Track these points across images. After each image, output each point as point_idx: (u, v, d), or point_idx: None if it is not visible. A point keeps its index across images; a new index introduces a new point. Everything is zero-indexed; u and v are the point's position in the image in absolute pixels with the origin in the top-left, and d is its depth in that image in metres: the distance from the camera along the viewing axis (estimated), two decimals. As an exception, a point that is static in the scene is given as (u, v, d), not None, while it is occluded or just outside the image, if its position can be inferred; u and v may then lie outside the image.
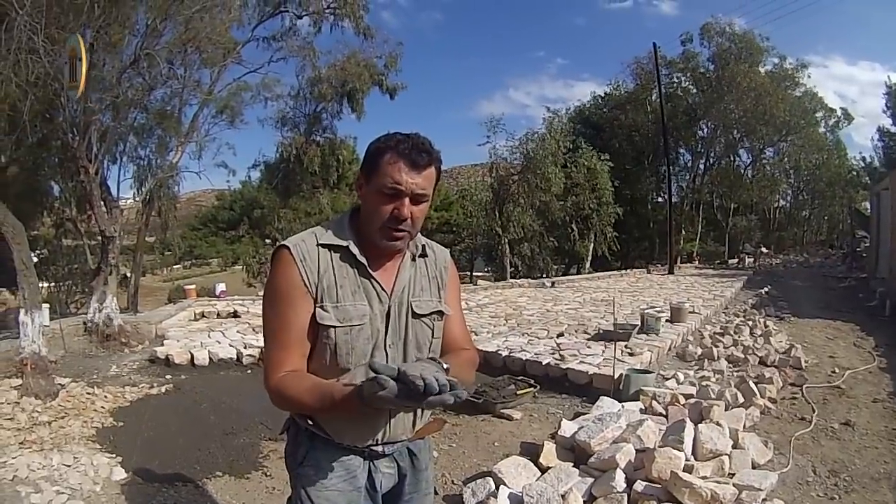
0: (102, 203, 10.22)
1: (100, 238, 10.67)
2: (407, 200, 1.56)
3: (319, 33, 21.10)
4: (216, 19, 10.89)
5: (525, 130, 25.28)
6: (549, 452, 4.26)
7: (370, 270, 1.62)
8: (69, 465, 4.84)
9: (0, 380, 6.89)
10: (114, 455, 5.15)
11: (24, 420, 5.77)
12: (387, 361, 1.60)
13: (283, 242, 1.61)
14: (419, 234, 1.74)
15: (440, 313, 1.75)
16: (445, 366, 1.47)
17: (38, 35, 5.20)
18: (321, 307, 1.56)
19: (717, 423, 4.45)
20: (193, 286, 18.62)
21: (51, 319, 9.49)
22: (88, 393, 6.85)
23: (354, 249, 1.61)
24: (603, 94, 34.73)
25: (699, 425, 4.28)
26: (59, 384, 6.94)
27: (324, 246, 1.61)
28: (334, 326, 1.56)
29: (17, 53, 5.42)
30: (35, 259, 19.78)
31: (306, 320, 1.56)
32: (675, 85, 31.63)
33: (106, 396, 6.79)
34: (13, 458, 4.82)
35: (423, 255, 1.78)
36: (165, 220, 20.06)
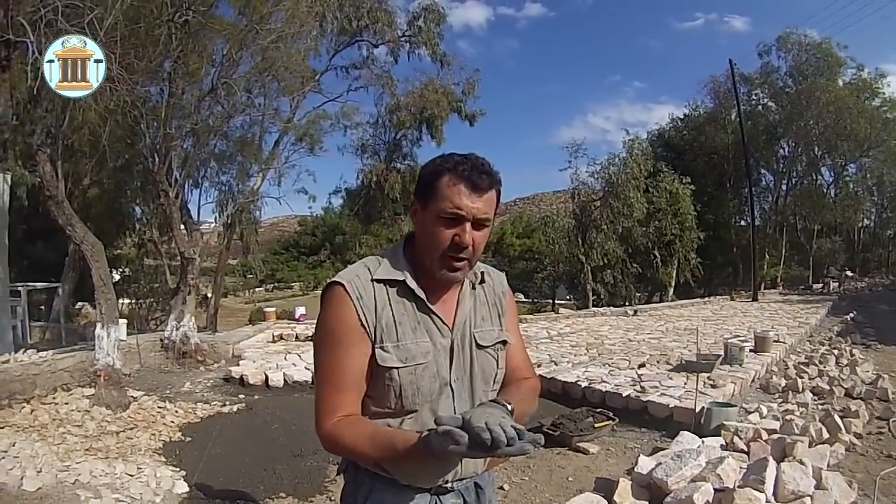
0: (182, 226, 10.67)
1: (179, 259, 11.06)
2: (468, 226, 1.44)
3: (396, 62, 21.77)
4: (292, 49, 11.24)
5: (606, 155, 24.84)
6: (623, 490, 4.10)
7: (429, 304, 1.51)
8: (132, 475, 4.97)
9: (73, 388, 7.23)
10: (178, 469, 5.27)
11: (93, 428, 6.01)
12: (452, 398, 1.53)
13: (335, 279, 1.49)
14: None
15: (504, 342, 1.64)
16: (510, 406, 1.40)
17: (112, 64, 5.49)
18: (381, 348, 1.45)
19: (801, 462, 4.16)
20: (273, 309, 19.02)
21: (129, 335, 9.87)
22: (160, 407, 7.08)
23: (412, 283, 1.50)
24: (682, 116, 33.83)
25: (781, 464, 4.05)
26: (132, 397, 7.20)
27: (379, 281, 1.49)
28: (397, 367, 1.45)
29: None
30: (117, 277, 21.01)
31: (363, 363, 1.46)
32: (753, 102, 30.50)
33: (176, 411, 6.98)
34: (77, 463, 5.02)
35: (482, 281, 1.66)
36: (247, 244, 20.69)
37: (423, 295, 1.50)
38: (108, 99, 6.29)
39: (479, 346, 1.57)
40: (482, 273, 1.66)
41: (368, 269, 1.51)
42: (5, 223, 12.84)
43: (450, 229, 1.44)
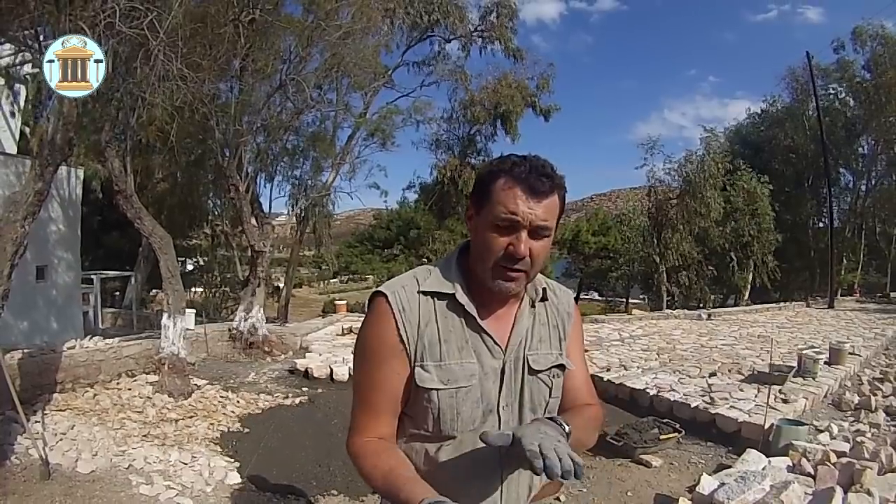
0: (254, 219, 10.90)
1: (250, 251, 11.33)
2: (524, 234, 1.30)
3: (469, 57, 21.66)
4: (361, 45, 11.33)
5: (683, 152, 24.04)
6: (682, 511, 4.02)
7: (480, 322, 1.39)
8: (186, 464, 5.11)
9: (138, 375, 7.49)
10: (232, 459, 5.38)
11: (153, 415, 6.20)
12: (499, 426, 1.40)
13: (379, 289, 1.41)
14: (539, 275, 1.49)
15: (561, 367, 1.50)
16: (567, 428, 1.29)
17: (174, 63, 5.63)
18: (422, 367, 1.35)
19: (868, 492, 3.98)
20: (344, 301, 19.30)
21: (201, 324, 10.19)
22: (222, 396, 7.27)
23: (462, 298, 1.38)
24: (759, 111, 32.29)
25: (848, 494, 3.91)
26: (195, 385, 7.43)
27: (426, 293, 1.39)
28: (437, 389, 1.35)
29: (159, 80, 5.91)
30: (191, 267, 21.82)
31: (398, 383, 1.37)
32: (831, 96, 28.63)
33: (238, 402, 7.15)
34: (133, 448, 5.19)
35: (544, 298, 1.52)
36: (319, 237, 21.02)
37: (473, 311, 1.39)
38: (173, 96, 6.46)
39: (531, 371, 1.45)
40: (544, 289, 1.52)
41: (416, 280, 1.42)
42: (78, 215, 13.54)
43: (504, 237, 1.32)
